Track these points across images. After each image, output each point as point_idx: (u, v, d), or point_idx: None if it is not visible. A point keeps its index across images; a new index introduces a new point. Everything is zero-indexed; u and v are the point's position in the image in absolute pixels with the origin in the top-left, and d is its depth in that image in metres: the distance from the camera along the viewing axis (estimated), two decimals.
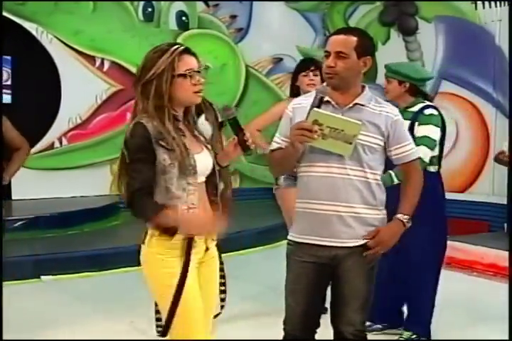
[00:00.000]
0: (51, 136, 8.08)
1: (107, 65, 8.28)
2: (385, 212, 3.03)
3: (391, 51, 8.67)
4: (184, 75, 2.63)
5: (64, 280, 5.81)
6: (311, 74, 4.57)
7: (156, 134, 2.59)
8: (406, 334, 4.29)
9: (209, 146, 2.79)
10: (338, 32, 2.96)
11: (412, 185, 3.04)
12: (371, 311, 4.22)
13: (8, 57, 7.78)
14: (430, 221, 4.06)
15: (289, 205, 4.56)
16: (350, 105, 2.93)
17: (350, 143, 2.83)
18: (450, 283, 5.76)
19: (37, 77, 7.85)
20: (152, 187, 2.62)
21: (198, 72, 2.67)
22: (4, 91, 7.79)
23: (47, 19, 7.90)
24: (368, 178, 2.92)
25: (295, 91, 4.69)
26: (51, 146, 8.09)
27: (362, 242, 2.94)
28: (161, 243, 2.65)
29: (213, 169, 2.77)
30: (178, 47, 2.65)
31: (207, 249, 2.78)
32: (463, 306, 5.05)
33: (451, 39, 8.17)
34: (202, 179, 2.72)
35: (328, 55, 2.90)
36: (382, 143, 2.94)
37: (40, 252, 6.19)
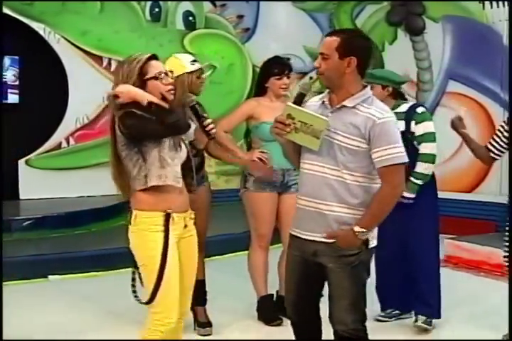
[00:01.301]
0: (58, 135, 8.09)
1: (114, 65, 8.27)
2: None
3: (398, 51, 8.68)
4: (155, 77, 3.05)
5: (71, 279, 5.82)
6: (284, 78, 4.52)
7: None
8: (421, 319, 4.51)
9: (183, 137, 3.18)
10: (328, 34, 3.08)
11: (379, 197, 2.95)
12: (384, 299, 4.62)
13: (16, 57, 7.80)
14: (423, 218, 4.49)
15: (255, 209, 4.53)
16: (338, 106, 2.99)
17: (318, 138, 2.93)
18: (457, 283, 5.76)
19: (44, 77, 7.87)
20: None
21: (166, 74, 3.09)
22: (12, 91, 7.82)
23: (54, 19, 7.91)
24: (344, 179, 2.95)
25: (262, 92, 4.62)
26: (58, 146, 8.11)
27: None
28: (144, 220, 3.07)
29: (188, 156, 3.17)
30: (143, 56, 3.08)
31: (185, 226, 3.17)
32: (469, 306, 5.04)
33: (459, 39, 8.15)
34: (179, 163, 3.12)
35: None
36: (364, 146, 2.93)
37: (47, 252, 6.20)
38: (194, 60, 4.32)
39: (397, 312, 4.70)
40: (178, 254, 3.12)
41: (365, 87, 3.02)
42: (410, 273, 4.61)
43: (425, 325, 4.49)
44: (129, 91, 2.99)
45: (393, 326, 4.64)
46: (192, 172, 3.22)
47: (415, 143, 4.42)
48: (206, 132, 3.15)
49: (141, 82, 3.03)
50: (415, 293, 4.59)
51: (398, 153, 2.93)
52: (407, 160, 2.97)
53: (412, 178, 4.35)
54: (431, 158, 4.39)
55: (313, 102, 3.12)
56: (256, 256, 4.62)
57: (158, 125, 2.95)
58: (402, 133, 4.42)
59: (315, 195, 3.00)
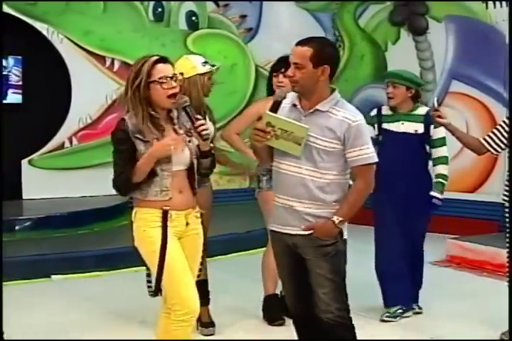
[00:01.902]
0: (61, 135, 8.09)
1: (117, 65, 8.29)
2: None
3: (401, 51, 8.66)
4: (156, 81, 3.07)
5: (74, 279, 5.83)
6: (280, 76, 4.55)
7: (133, 129, 3.07)
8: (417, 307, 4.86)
9: (188, 139, 3.19)
10: (298, 43, 3.21)
11: (355, 191, 3.20)
12: (389, 297, 4.74)
13: (19, 57, 7.81)
14: (426, 218, 4.75)
15: (270, 208, 4.51)
16: (311, 110, 3.15)
17: (300, 144, 3.08)
18: (460, 283, 5.77)
19: (47, 76, 7.88)
20: (129, 172, 3.07)
21: (171, 78, 3.10)
22: (15, 91, 7.83)
23: (57, 19, 7.91)
24: (320, 178, 3.14)
25: (271, 91, 4.64)
26: (61, 146, 8.11)
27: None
28: (143, 217, 3.15)
29: (191, 161, 3.19)
30: (152, 58, 3.11)
31: (187, 224, 3.20)
32: (472, 306, 5.03)
33: (462, 39, 8.13)
34: (179, 168, 3.16)
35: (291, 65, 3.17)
36: (339, 147, 3.12)
37: (49, 252, 6.20)
38: (205, 62, 4.34)
39: (400, 310, 4.72)
40: (181, 249, 3.16)
41: (333, 90, 3.19)
42: (415, 271, 4.78)
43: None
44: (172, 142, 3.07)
45: (394, 325, 4.65)
46: (194, 174, 3.25)
47: (427, 146, 4.64)
48: (199, 133, 3.17)
49: (146, 85, 3.07)
50: (417, 288, 4.83)
51: (371, 153, 3.16)
52: (377, 160, 3.18)
53: (441, 180, 4.62)
54: (448, 160, 4.71)
55: (284, 104, 3.23)
56: (270, 255, 4.60)
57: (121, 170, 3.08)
58: (420, 135, 4.57)
59: (291, 194, 3.17)
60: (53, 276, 5.84)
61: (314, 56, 3.09)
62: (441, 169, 4.65)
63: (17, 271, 5.51)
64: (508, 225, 4.23)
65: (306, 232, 3.16)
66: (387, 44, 8.95)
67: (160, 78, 3.07)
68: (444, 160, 4.66)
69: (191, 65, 4.28)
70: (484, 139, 4.23)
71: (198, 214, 3.29)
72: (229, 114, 8.55)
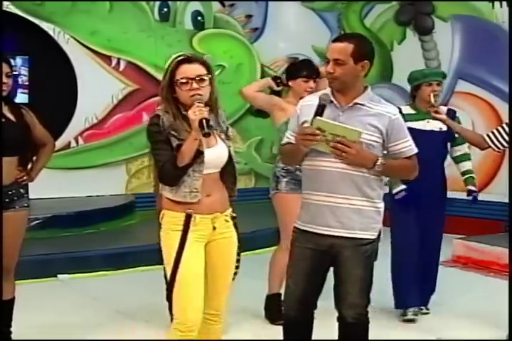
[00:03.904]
0: (68, 135, 8.11)
1: (123, 65, 8.31)
2: (382, 204, 3.23)
3: (407, 50, 8.66)
4: (179, 82, 3.04)
5: (80, 279, 5.85)
6: (311, 81, 4.57)
7: (168, 125, 3.02)
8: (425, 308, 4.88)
9: (226, 141, 3.14)
10: (337, 40, 3.20)
11: (407, 163, 3.21)
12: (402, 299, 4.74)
13: (26, 57, 7.84)
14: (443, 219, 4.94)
15: (288, 210, 4.51)
16: (350, 104, 3.15)
17: None
18: (466, 283, 5.76)
19: (54, 76, 7.89)
20: (173, 158, 3.00)
21: (193, 79, 3.02)
22: (22, 90, 7.85)
23: (64, 19, 7.93)
24: (365, 173, 3.12)
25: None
26: (67, 146, 8.12)
27: (356, 235, 3.15)
28: (168, 220, 3.10)
29: (228, 160, 3.13)
30: (177, 58, 3.09)
31: (214, 228, 3.11)
32: (478, 306, 5.03)
33: (468, 38, 8.13)
34: (211, 170, 3.08)
35: (328, 61, 3.14)
36: (380, 140, 3.14)
37: (56, 251, 6.21)
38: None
39: (417, 309, 4.75)
40: (203, 256, 3.11)
41: (366, 86, 3.20)
42: (429, 273, 4.89)
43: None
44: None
45: (401, 326, 4.64)
46: (233, 177, 3.22)
47: (449, 142, 4.75)
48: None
49: (170, 85, 3.07)
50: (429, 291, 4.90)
51: (413, 144, 3.22)
52: (417, 150, 3.23)
53: (472, 175, 4.82)
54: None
55: (308, 102, 3.21)
56: (281, 255, 4.58)
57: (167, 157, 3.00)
58: (445, 132, 4.62)
59: (336, 191, 3.12)
60: (60, 276, 5.86)
61: (355, 52, 3.09)
62: (469, 165, 4.84)
63: (24, 270, 5.51)
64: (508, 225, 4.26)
65: (349, 235, 3.13)
66: (392, 44, 8.95)
67: (181, 79, 3.03)
68: (469, 157, 4.85)
69: None
70: (487, 135, 4.30)
71: (229, 218, 3.19)
72: (234, 113, 8.57)
